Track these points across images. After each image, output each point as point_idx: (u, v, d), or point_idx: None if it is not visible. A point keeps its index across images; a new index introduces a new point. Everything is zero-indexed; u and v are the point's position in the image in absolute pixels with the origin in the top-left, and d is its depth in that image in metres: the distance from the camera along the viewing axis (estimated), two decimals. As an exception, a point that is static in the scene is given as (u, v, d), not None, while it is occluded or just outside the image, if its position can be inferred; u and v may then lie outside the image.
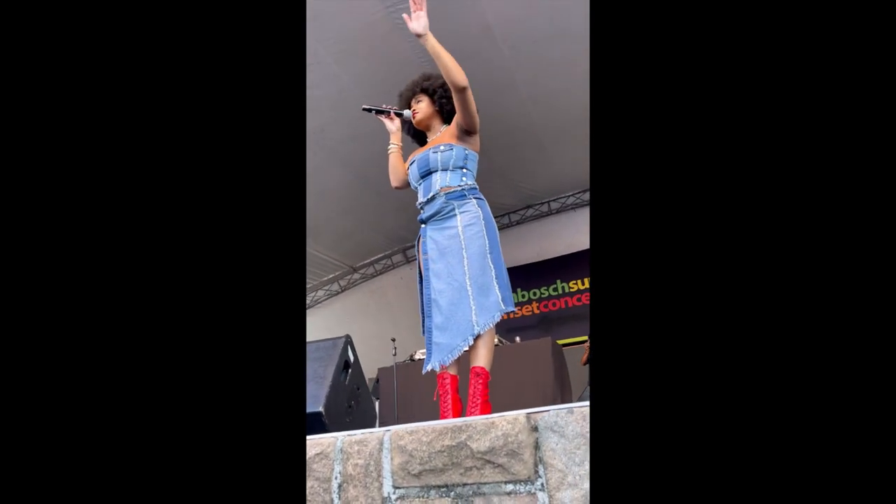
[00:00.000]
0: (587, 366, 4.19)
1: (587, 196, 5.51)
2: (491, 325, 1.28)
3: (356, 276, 6.33)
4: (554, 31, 3.44)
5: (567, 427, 0.52)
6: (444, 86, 1.45)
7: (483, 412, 1.26)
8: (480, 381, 1.28)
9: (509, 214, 5.71)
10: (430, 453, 0.56)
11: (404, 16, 1.38)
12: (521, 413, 0.57)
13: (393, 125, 1.50)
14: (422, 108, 1.48)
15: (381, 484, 0.59)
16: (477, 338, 1.28)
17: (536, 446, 0.53)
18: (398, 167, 1.52)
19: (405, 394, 3.33)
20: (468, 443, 0.55)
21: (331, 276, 6.23)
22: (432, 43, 1.34)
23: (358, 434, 0.65)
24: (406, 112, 1.49)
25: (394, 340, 3.70)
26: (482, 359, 1.29)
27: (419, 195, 1.45)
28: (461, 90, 1.33)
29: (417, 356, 3.61)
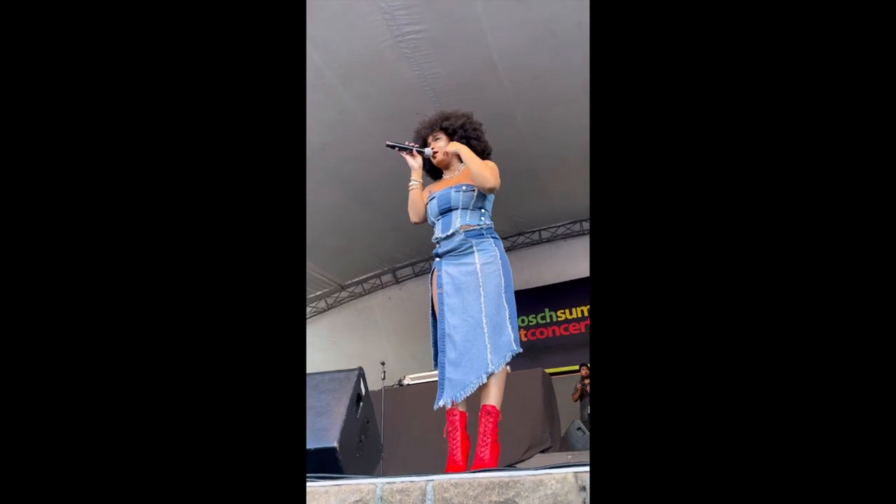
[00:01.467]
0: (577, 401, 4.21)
1: (577, 227, 5.62)
2: (503, 365, 1.30)
3: (344, 293, 6.27)
4: (555, 68, 3.57)
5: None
6: (463, 126, 1.50)
7: (493, 451, 1.26)
8: (491, 419, 1.28)
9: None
10: (477, 508, 0.57)
11: (431, 149, 1.47)
12: (569, 471, 0.59)
13: (415, 162, 1.53)
14: (441, 146, 1.52)
15: (424, 536, 0.59)
16: (490, 376, 1.29)
17: (585, 506, 0.55)
18: (419, 203, 1.54)
19: (393, 420, 3.28)
20: (516, 500, 0.56)
21: (318, 292, 6.15)
22: (465, 153, 1.45)
23: (398, 482, 0.65)
24: (427, 150, 1.52)
25: (383, 364, 3.66)
26: (493, 398, 1.30)
27: (437, 230, 1.48)
28: (492, 190, 1.44)
29: (406, 381, 3.57)
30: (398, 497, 0.63)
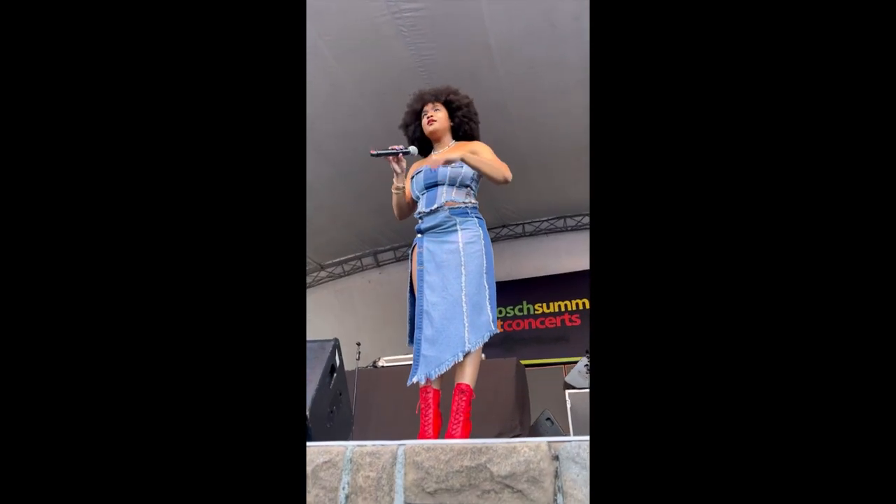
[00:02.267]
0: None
1: (561, 223, 5.67)
2: (480, 344, 1.30)
3: (323, 273, 6.21)
4: (551, 60, 3.56)
5: (588, 459, 0.54)
6: (468, 105, 1.48)
7: (464, 429, 1.27)
8: (465, 398, 1.28)
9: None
10: (448, 472, 0.57)
11: (443, 158, 1.43)
12: (542, 440, 0.59)
13: (399, 167, 1.46)
14: (439, 117, 1.48)
15: (393, 499, 0.59)
16: (466, 355, 1.29)
17: (556, 475, 0.55)
18: (403, 206, 1.51)
19: (365, 400, 3.28)
20: (488, 465, 0.56)
21: (296, 271, 6.07)
22: (471, 161, 1.40)
23: (369, 445, 0.64)
24: (412, 149, 1.47)
25: (359, 345, 3.64)
26: (468, 377, 1.30)
27: (421, 205, 1.45)
28: (507, 180, 1.42)
29: (381, 363, 3.57)
30: (368, 460, 0.62)
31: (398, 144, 1.45)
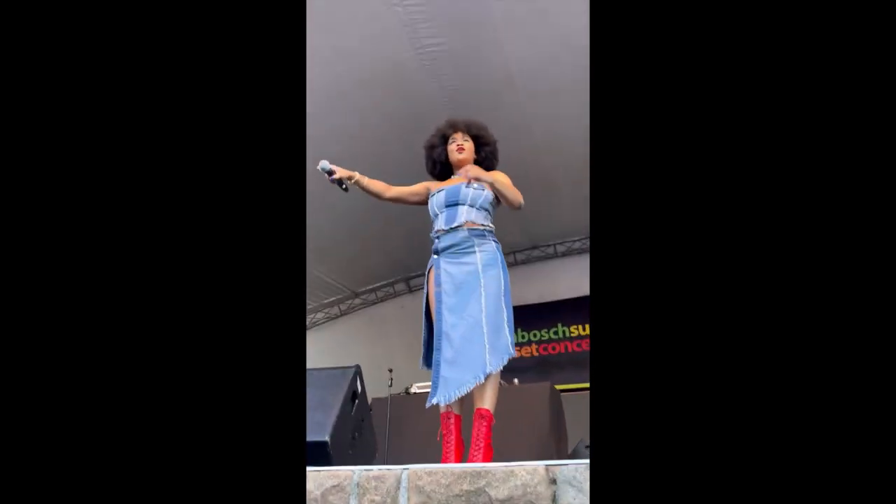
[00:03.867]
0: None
1: (593, 242, 5.57)
2: (500, 367, 1.29)
3: (357, 300, 6.32)
4: (572, 84, 3.59)
5: (585, 483, 0.54)
6: (494, 144, 1.55)
7: (486, 456, 1.25)
8: (485, 423, 1.27)
9: (515, 253, 5.75)
10: (449, 496, 0.57)
11: (469, 175, 1.51)
12: (540, 464, 0.58)
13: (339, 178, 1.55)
14: (468, 147, 1.55)
15: (396, 523, 0.60)
16: (486, 377, 1.28)
17: (554, 499, 0.55)
18: (370, 192, 1.58)
19: (397, 427, 3.27)
20: (487, 489, 0.56)
21: (332, 298, 6.22)
22: (498, 186, 1.48)
23: (375, 470, 0.66)
24: (346, 185, 1.57)
25: (391, 371, 3.66)
26: (488, 401, 1.29)
27: (439, 222, 1.47)
28: (521, 206, 1.50)
29: (413, 389, 3.57)
30: (373, 483, 0.63)
31: (335, 175, 1.54)
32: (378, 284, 6.26)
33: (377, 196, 1.61)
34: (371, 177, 4.82)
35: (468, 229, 1.42)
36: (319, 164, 1.58)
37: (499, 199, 1.49)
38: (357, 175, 1.60)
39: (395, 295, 6.29)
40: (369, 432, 1.33)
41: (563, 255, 5.68)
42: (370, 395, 3.68)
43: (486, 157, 1.56)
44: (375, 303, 6.35)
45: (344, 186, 1.61)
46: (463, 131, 1.56)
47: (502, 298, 1.37)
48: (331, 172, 1.58)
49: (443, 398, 1.29)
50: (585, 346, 5.23)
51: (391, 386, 3.58)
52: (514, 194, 1.45)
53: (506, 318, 1.35)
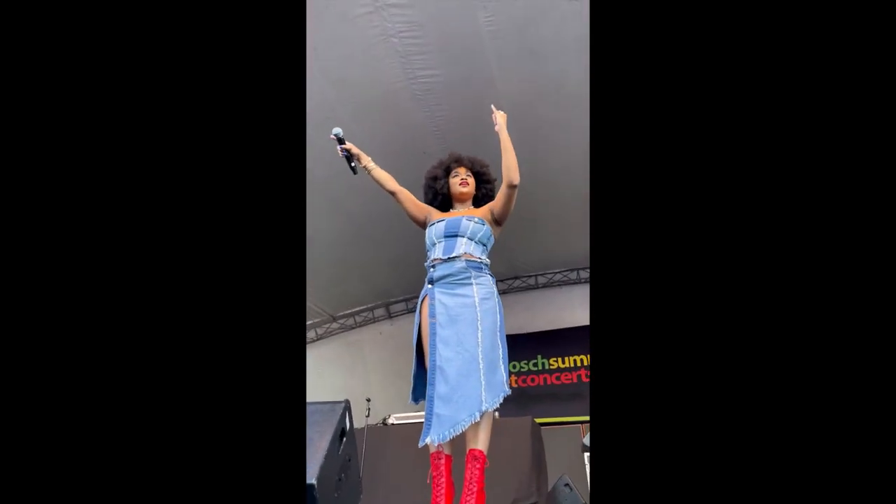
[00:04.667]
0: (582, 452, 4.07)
1: (574, 275, 5.64)
2: (496, 405, 1.26)
3: (335, 325, 6.18)
4: (559, 119, 3.71)
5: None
6: (494, 182, 1.56)
7: (478, 500, 1.20)
8: (479, 465, 1.23)
9: (497, 283, 5.78)
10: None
11: (492, 108, 1.53)
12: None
13: (352, 155, 1.58)
14: (471, 183, 1.56)
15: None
16: (482, 415, 1.24)
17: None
18: (379, 181, 1.60)
19: (374, 461, 3.15)
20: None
21: (309, 322, 6.07)
22: (506, 137, 1.46)
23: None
24: (354, 165, 1.56)
25: (369, 401, 3.55)
26: (482, 442, 1.25)
27: (437, 251, 1.45)
28: (514, 187, 1.44)
29: (392, 420, 3.46)
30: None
31: (346, 146, 1.57)
32: (357, 309, 6.15)
33: (380, 184, 1.60)
34: (355, 200, 4.80)
35: (466, 261, 1.40)
36: (333, 130, 1.56)
37: (498, 220, 1.48)
38: (368, 159, 1.60)
39: (374, 321, 6.19)
40: (355, 472, 1.26)
41: (544, 286, 5.73)
42: (346, 426, 3.57)
43: (485, 194, 1.57)
44: (353, 328, 6.22)
45: (353, 166, 1.59)
46: (467, 167, 1.57)
47: (498, 334, 1.34)
48: (342, 141, 1.56)
49: (436, 437, 1.24)
50: (565, 379, 5.22)
51: (368, 416, 3.47)
52: (516, 165, 1.44)
53: (501, 354, 1.33)
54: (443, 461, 1.28)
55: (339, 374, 5.77)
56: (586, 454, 3.35)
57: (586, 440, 3.51)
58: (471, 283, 1.38)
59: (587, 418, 4.39)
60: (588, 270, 5.56)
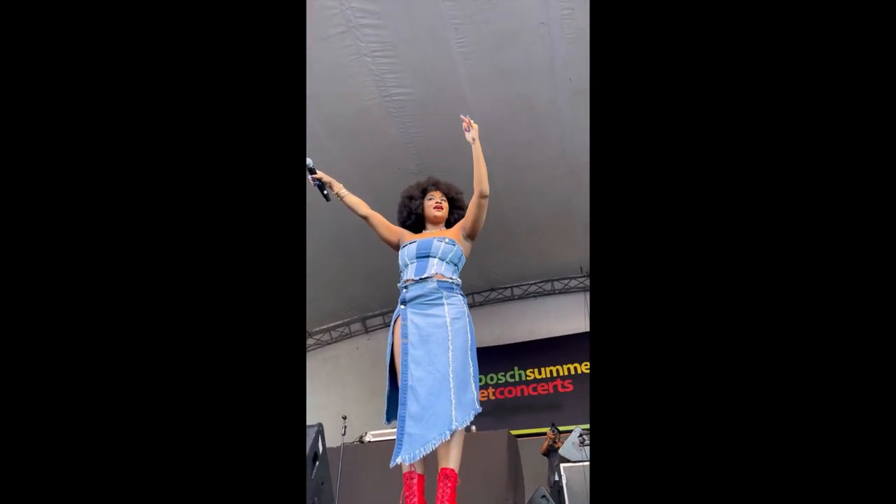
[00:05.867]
0: (544, 457, 4.11)
1: (548, 286, 5.74)
2: (467, 423, 1.28)
3: (310, 341, 6.09)
4: (531, 138, 3.81)
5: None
6: (464, 209, 1.61)
7: (450, 519, 1.22)
8: (450, 484, 1.25)
9: (473, 295, 5.82)
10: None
11: (463, 118, 1.57)
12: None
13: (323, 183, 1.61)
14: (445, 207, 1.60)
15: None
16: (452, 434, 1.26)
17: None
18: (362, 201, 1.63)
19: (350, 479, 3.11)
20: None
21: (283, 338, 5.96)
22: (478, 148, 1.52)
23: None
24: (326, 193, 1.62)
25: (345, 419, 3.52)
26: (453, 460, 1.27)
27: (409, 272, 1.48)
28: (485, 197, 1.49)
29: (368, 438, 3.43)
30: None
31: (317, 176, 1.58)
32: (333, 324, 6.09)
33: (353, 209, 1.63)
34: (329, 214, 4.77)
35: (438, 281, 1.43)
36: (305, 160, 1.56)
37: (470, 234, 1.52)
38: (340, 186, 1.62)
39: (351, 335, 6.13)
40: (329, 497, 1.26)
41: (520, 297, 5.81)
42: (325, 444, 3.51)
43: (457, 219, 1.62)
44: (329, 343, 6.14)
45: (325, 193, 1.60)
46: (443, 192, 1.62)
47: (469, 353, 1.37)
48: (313, 171, 1.57)
49: (407, 456, 1.25)
50: (541, 389, 5.28)
51: (344, 434, 3.43)
52: (486, 176, 1.50)
53: (472, 373, 1.35)
54: (415, 481, 1.29)
55: (317, 392, 5.68)
56: (562, 465, 3.39)
57: (562, 451, 3.55)
58: (442, 304, 1.41)
59: (563, 428, 4.45)
60: (562, 281, 5.66)
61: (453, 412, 1.25)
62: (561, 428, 4.17)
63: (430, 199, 1.61)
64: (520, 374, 5.40)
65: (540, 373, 5.32)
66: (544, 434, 4.67)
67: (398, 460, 1.27)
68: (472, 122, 1.58)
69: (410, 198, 1.63)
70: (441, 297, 1.41)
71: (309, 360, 6.08)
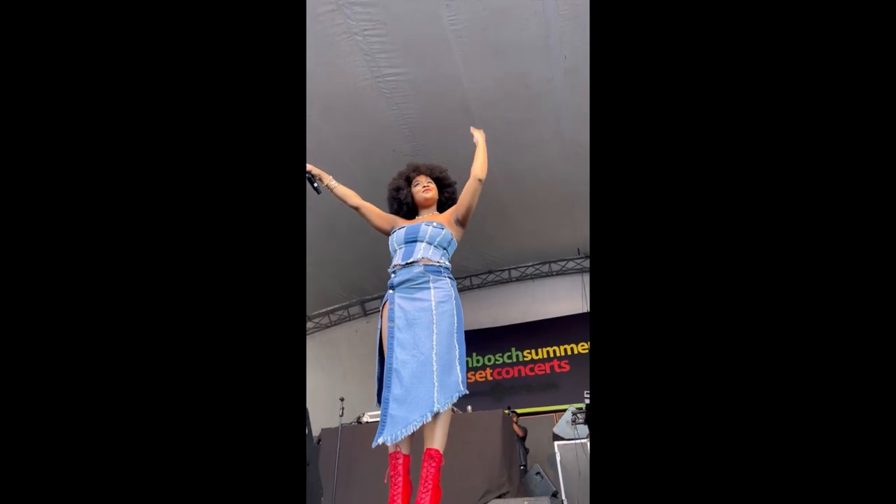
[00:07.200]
0: (523, 439, 4.17)
1: (546, 267, 5.74)
2: (450, 405, 1.29)
3: (310, 324, 6.14)
4: (526, 117, 3.75)
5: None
6: (454, 186, 1.60)
7: (433, 497, 1.24)
8: (434, 464, 1.26)
9: (471, 277, 5.83)
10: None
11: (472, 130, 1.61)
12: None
13: (316, 179, 1.62)
14: (433, 188, 1.59)
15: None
16: (434, 416, 1.27)
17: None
18: (343, 198, 1.63)
19: (348, 459, 3.17)
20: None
21: (283, 322, 6.01)
22: (482, 147, 1.59)
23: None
24: (317, 186, 1.63)
25: (342, 400, 3.56)
26: (437, 441, 1.29)
27: (397, 258, 1.49)
28: (480, 181, 1.50)
29: (366, 419, 3.48)
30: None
31: (306, 168, 1.60)
32: (332, 308, 6.12)
33: (343, 200, 1.63)
34: (324, 196, 4.76)
35: (424, 265, 1.43)
36: (316, 185, 1.58)
37: (461, 220, 1.52)
38: (329, 178, 1.62)
39: (350, 319, 6.17)
40: (315, 476, 1.28)
41: (517, 279, 5.81)
42: (321, 425, 3.55)
43: (448, 197, 1.61)
44: (328, 326, 6.19)
45: (315, 186, 1.61)
46: (426, 174, 1.61)
47: (455, 336, 1.37)
48: None
49: (389, 437, 1.27)
50: (538, 370, 5.33)
51: (342, 415, 3.48)
52: (486, 163, 1.53)
53: (458, 355, 1.36)
54: (400, 461, 1.31)
55: (316, 374, 5.75)
56: (556, 443, 3.45)
57: (556, 429, 3.61)
58: (428, 287, 1.41)
59: (560, 407, 4.51)
60: (559, 263, 5.66)
61: (435, 394, 1.27)
62: (557, 408, 4.22)
63: (416, 184, 1.61)
64: (517, 355, 5.45)
65: (537, 353, 5.36)
66: (542, 414, 4.74)
67: (380, 440, 1.29)
68: (477, 130, 1.60)
69: (397, 189, 1.63)
70: (427, 281, 1.42)
71: (308, 342, 6.14)
